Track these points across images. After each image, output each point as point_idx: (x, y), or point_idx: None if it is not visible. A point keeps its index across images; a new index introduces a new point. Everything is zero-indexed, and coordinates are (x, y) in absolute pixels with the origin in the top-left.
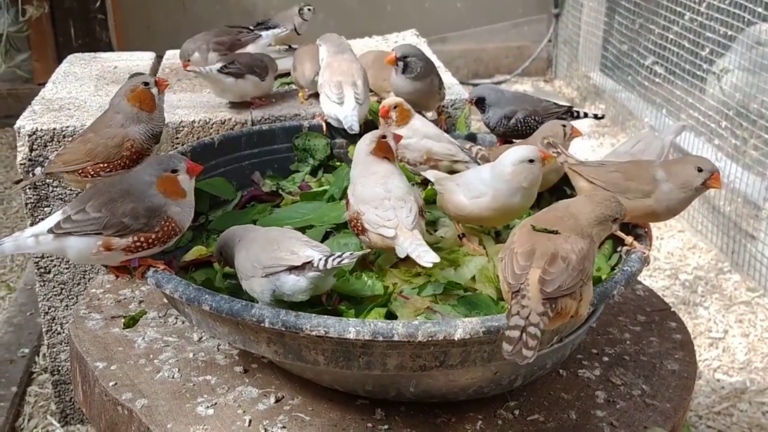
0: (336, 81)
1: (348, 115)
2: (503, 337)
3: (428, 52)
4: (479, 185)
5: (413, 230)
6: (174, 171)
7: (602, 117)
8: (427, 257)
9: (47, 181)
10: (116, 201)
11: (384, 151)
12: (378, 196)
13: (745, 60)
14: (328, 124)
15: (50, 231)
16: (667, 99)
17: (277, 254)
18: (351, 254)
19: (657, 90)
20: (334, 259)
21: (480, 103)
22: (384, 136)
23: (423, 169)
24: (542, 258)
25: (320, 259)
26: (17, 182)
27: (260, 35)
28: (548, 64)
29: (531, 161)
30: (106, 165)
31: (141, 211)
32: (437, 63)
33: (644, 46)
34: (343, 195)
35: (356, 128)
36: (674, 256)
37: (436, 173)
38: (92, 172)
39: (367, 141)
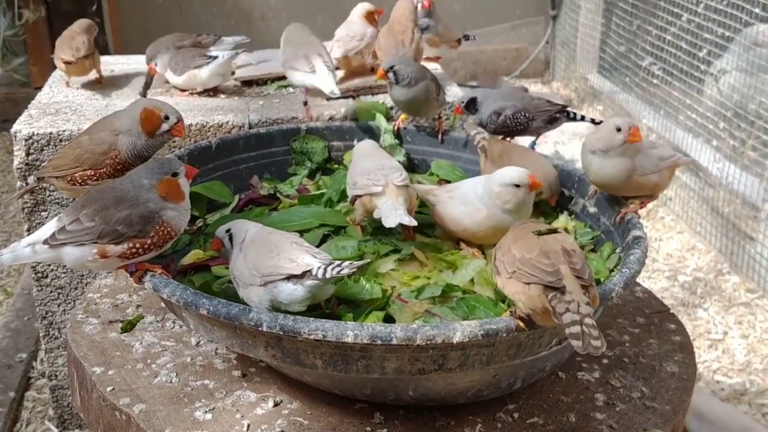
0: (303, 53)
1: (325, 81)
2: (570, 336)
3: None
4: (474, 200)
5: (400, 189)
6: (174, 174)
7: (600, 123)
8: (391, 219)
9: (44, 185)
10: (109, 208)
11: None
12: (372, 168)
13: (743, 61)
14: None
15: (46, 242)
16: (664, 100)
17: (276, 262)
18: (350, 264)
19: (655, 91)
20: (333, 269)
21: (472, 104)
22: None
23: None
24: (558, 254)
25: (319, 268)
26: (19, 196)
27: (220, 37)
28: (546, 65)
29: (517, 186)
30: (92, 173)
31: (135, 218)
32: (434, 66)
33: (642, 48)
34: (341, 197)
35: (337, 91)
36: (673, 258)
37: (422, 187)
38: (79, 180)
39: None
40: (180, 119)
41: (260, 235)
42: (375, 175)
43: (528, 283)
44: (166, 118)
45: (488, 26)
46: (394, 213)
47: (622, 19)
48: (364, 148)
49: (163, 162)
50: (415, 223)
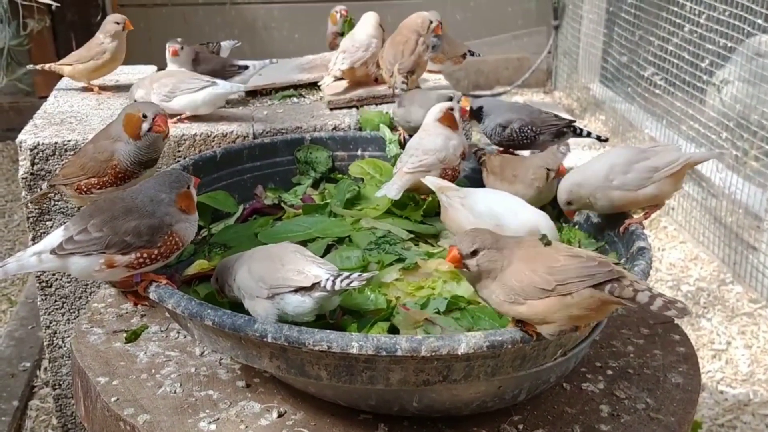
0: (186, 76)
1: (230, 85)
2: (659, 311)
3: None
4: (487, 215)
5: (407, 174)
6: (188, 187)
7: (606, 140)
8: (379, 192)
9: (49, 194)
10: (118, 219)
11: (448, 120)
12: (412, 145)
13: (745, 71)
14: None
15: (53, 252)
16: (667, 110)
17: (283, 274)
18: (359, 276)
19: (657, 101)
20: (342, 281)
21: (479, 112)
22: (451, 108)
23: None
24: (581, 251)
25: (328, 279)
26: (32, 201)
27: (219, 43)
28: (548, 75)
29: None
30: (96, 181)
31: (143, 228)
32: (438, 78)
33: (644, 58)
34: (345, 206)
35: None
36: (676, 268)
37: (435, 181)
38: (85, 189)
39: (437, 110)
40: (158, 113)
41: (257, 250)
42: (407, 153)
43: (571, 293)
44: (144, 116)
45: (490, 36)
46: (386, 188)
47: (624, 29)
48: (426, 122)
49: (177, 175)
50: (395, 196)
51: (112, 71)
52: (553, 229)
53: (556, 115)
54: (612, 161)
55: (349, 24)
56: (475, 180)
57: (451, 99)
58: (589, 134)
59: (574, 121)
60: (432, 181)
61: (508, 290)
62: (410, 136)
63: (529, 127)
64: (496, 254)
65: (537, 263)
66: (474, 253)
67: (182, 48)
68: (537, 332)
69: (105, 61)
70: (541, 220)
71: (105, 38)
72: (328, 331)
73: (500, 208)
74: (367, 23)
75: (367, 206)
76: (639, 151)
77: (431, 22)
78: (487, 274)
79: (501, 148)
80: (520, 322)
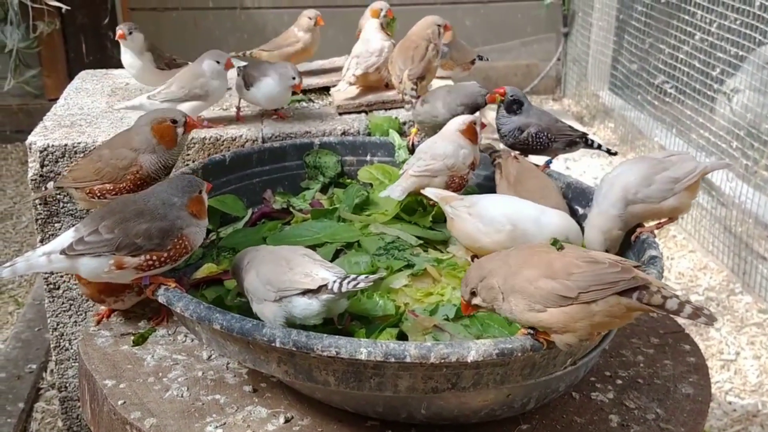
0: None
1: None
2: (690, 318)
3: None
4: (499, 218)
5: (412, 177)
6: (200, 192)
7: (615, 153)
8: (384, 192)
9: (58, 196)
10: (129, 221)
11: (469, 133)
12: (422, 149)
13: (756, 80)
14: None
15: (63, 252)
16: (677, 118)
17: (291, 277)
18: (366, 277)
19: (667, 109)
20: (349, 282)
21: (513, 104)
22: (474, 122)
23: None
24: (598, 254)
25: (335, 282)
26: (36, 199)
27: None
28: (557, 82)
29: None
30: (112, 187)
31: (154, 231)
32: (447, 83)
33: (654, 66)
34: (354, 211)
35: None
36: (685, 277)
37: (436, 192)
38: (98, 193)
39: (460, 121)
40: (185, 115)
41: (267, 250)
42: (416, 156)
43: (595, 301)
44: (175, 122)
45: (499, 42)
46: (390, 189)
47: (634, 37)
48: (445, 128)
49: (190, 179)
50: (398, 197)
51: (303, 61)
52: (578, 230)
53: (570, 126)
54: (625, 184)
55: (393, 25)
56: (487, 188)
57: (485, 95)
58: (599, 147)
59: (587, 134)
60: (433, 193)
61: (527, 297)
62: (433, 132)
63: (545, 133)
64: (491, 281)
65: (555, 269)
66: (473, 294)
67: (131, 33)
68: (548, 340)
69: (297, 50)
70: (564, 223)
71: (299, 31)
72: (336, 336)
73: (512, 210)
74: (377, 28)
75: (376, 211)
76: (656, 162)
77: (439, 27)
78: (496, 301)
79: (515, 152)
80: (532, 330)
